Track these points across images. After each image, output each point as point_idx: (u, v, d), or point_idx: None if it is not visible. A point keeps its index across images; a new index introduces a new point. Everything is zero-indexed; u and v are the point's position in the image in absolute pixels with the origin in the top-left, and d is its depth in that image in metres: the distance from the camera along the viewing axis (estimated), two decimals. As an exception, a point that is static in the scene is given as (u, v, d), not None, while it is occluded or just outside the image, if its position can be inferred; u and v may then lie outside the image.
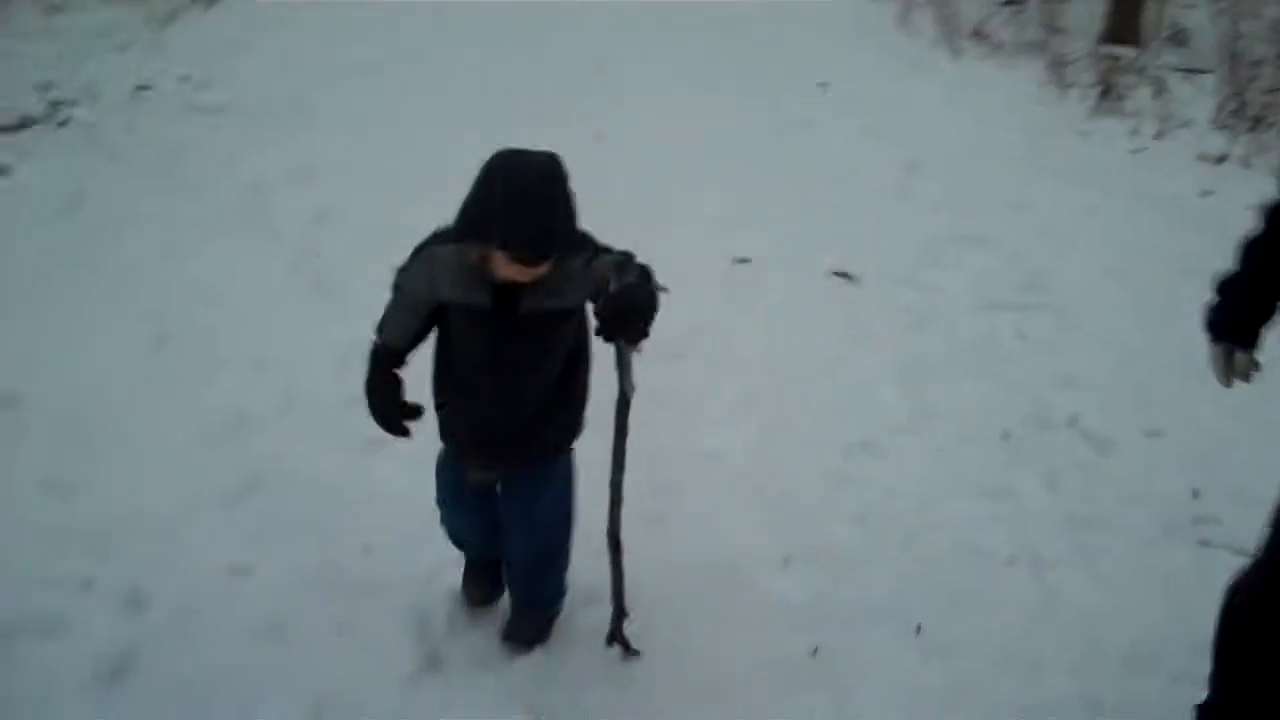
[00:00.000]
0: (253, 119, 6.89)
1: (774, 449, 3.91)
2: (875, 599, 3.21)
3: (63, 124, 6.68)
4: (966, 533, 3.50)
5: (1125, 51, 9.05)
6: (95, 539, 3.26)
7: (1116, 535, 3.50)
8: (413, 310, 2.61)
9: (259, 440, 3.79)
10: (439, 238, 2.54)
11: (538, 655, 2.93)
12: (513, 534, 2.84)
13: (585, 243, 2.51)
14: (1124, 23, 9.53)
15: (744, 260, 5.31)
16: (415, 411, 2.65)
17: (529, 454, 2.72)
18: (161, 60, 7.91)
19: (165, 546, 3.24)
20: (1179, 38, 9.67)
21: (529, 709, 2.79)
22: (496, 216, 2.35)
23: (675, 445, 3.78)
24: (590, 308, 2.53)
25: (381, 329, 2.66)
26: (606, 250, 2.53)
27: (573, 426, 2.77)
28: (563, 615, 3.00)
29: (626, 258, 2.53)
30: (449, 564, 3.09)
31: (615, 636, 2.87)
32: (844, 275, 5.22)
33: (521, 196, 2.35)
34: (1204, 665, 2.66)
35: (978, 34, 9.51)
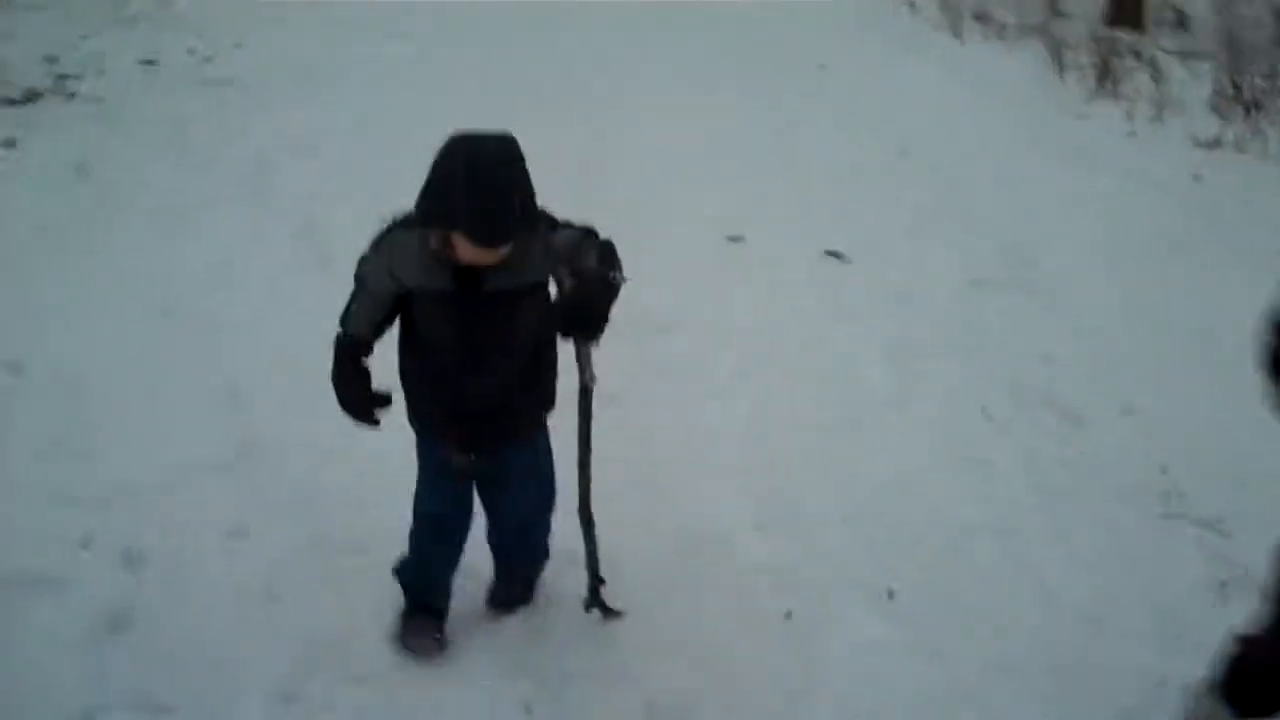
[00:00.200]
0: (259, 92, 6.95)
1: (760, 422, 3.99)
2: (849, 565, 3.31)
3: (70, 97, 6.76)
4: (941, 504, 3.60)
5: (1127, 35, 9.08)
6: (95, 502, 3.37)
7: (1084, 507, 3.59)
8: (376, 300, 2.60)
9: (257, 407, 3.88)
10: (399, 225, 2.54)
11: (521, 616, 3.04)
12: (496, 503, 2.89)
13: (543, 217, 2.53)
14: (1126, 7, 9.57)
15: (737, 238, 5.38)
16: (385, 400, 2.67)
17: (505, 431, 2.74)
18: (168, 34, 7.98)
19: (163, 509, 3.35)
20: (1179, 22, 9.69)
21: (514, 667, 2.89)
22: (457, 202, 2.35)
23: (669, 421, 3.88)
24: (552, 290, 2.57)
25: (345, 320, 2.65)
26: (567, 225, 2.57)
27: (545, 399, 2.78)
28: (547, 578, 3.09)
29: (586, 233, 2.57)
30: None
31: (594, 601, 2.98)
32: (835, 255, 5.29)
33: (480, 181, 2.34)
34: (1162, 628, 2.75)
35: (980, 17, 9.52)
